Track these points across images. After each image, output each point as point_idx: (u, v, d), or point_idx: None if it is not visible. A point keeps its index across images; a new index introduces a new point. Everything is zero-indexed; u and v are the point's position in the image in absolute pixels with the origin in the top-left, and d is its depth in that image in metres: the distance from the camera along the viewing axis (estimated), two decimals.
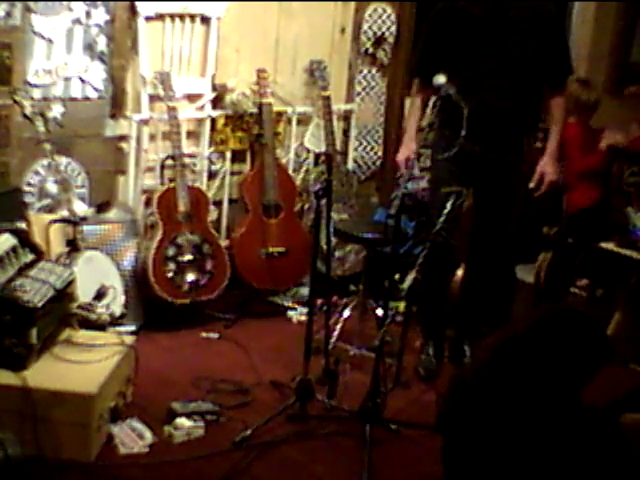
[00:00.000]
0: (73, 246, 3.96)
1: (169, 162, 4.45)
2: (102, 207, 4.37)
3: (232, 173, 4.83)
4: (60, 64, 4.17)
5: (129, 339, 3.57)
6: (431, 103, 3.87)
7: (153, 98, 4.44)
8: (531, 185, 3.92)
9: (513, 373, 2.24)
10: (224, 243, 4.58)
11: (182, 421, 3.41)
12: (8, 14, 3.92)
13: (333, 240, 4.06)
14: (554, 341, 2.22)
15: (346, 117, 5.20)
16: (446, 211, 3.62)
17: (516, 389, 2.22)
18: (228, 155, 4.79)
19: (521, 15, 3.76)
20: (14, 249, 3.38)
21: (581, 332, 2.23)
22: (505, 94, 3.80)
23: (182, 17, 4.48)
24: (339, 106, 5.08)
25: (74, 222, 3.98)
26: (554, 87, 3.96)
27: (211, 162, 4.75)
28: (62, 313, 3.46)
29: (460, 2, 3.79)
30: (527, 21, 3.77)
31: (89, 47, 4.25)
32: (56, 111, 4.14)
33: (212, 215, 4.57)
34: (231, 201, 4.82)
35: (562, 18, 3.94)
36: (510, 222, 4.07)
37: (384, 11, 5.13)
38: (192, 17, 4.50)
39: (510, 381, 2.23)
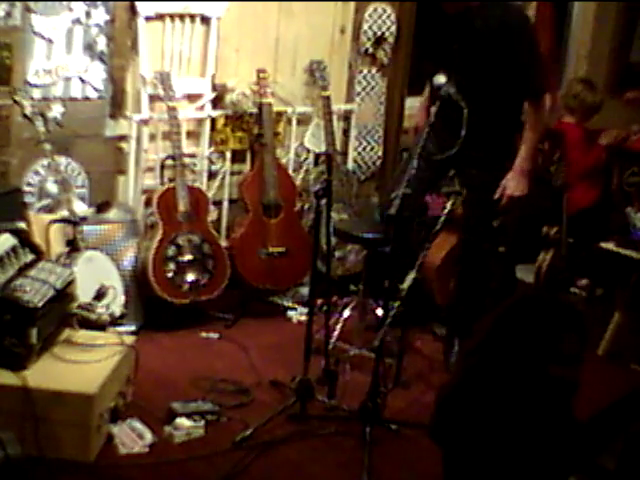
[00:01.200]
0: (73, 246, 3.96)
1: (169, 162, 4.45)
2: (102, 207, 4.37)
3: (232, 173, 4.83)
4: (60, 64, 4.17)
5: (129, 339, 3.57)
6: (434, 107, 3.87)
7: (153, 98, 4.44)
8: (495, 196, 3.91)
9: (489, 376, 2.25)
10: (224, 243, 4.58)
11: (182, 421, 3.42)
12: (8, 14, 3.92)
13: (333, 240, 4.06)
14: (513, 333, 2.25)
15: (346, 117, 5.20)
16: (446, 211, 3.63)
17: (494, 392, 2.23)
18: (228, 155, 4.78)
19: (486, 25, 3.78)
20: (14, 249, 3.38)
21: (534, 315, 2.25)
22: (476, 94, 3.80)
23: (182, 17, 4.48)
24: (339, 106, 5.08)
25: (74, 222, 3.98)
26: (527, 99, 3.93)
27: (211, 162, 4.75)
28: (62, 313, 3.46)
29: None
30: (491, 33, 3.79)
31: (89, 47, 4.25)
32: (56, 111, 4.14)
33: (212, 215, 4.57)
34: (231, 201, 4.82)
35: (529, 31, 3.90)
36: (491, 218, 4.08)
37: (384, 11, 5.12)
38: (192, 17, 4.50)
39: (487, 385, 2.24)
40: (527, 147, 3.91)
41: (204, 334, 4.31)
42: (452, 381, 2.43)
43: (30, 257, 3.46)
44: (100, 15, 4.24)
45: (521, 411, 2.20)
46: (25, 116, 3.91)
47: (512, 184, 3.89)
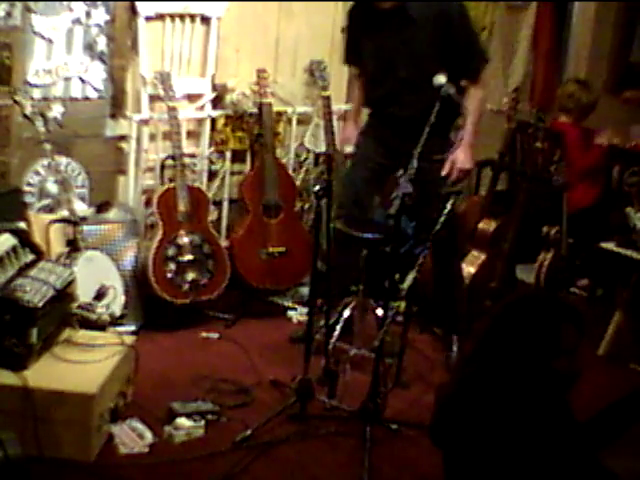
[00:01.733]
0: (73, 246, 3.96)
1: (169, 162, 4.45)
2: (102, 207, 4.37)
3: (232, 173, 4.83)
4: (60, 64, 4.17)
5: (129, 339, 3.57)
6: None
7: (153, 98, 4.44)
8: (443, 172, 3.93)
9: (489, 377, 2.25)
10: (224, 243, 4.59)
11: (182, 421, 3.42)
12: (8, 14, 3.92)
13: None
14: (512, 334, 2.25)
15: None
16: (446, 211, 3.63)
17: (494, 392, 2.23)
18: (228, 155, 4.79)
19: (422, 14, 3.84)
20: (14, 249, 3.38)
21: (532, 313, 2.26)
22: (411, 89, 3.91)
23: (182, 17, 4.48)
24: (339, 106, 5.08)
25: (74, 222, 3.98)
26: (468, 79, 3.98)
27: (211, 162, 4.75)
28: (62, 313, 3.46)
29: None
30: (427, 20, 3.85)
31: (89, 47, 4.25)
32: (56, 111, 4.14)
33: (212, 215, 4.57)
34: (231, 201, 4.82)
35: (464, 15, 3.95)
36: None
37: None
38: (192, 17, 4.50)
39: (487, 385, 2.24)
40: (472, 121, 3.97)
41: (204, 334, 4.31)
42: (451, 382, 2.42)
43: (30, 257, 3.46)
44: (100, 15, 4.24)
45: (523, 410, 2.20)
46: (25, 116, 3.91)
47: (461, 157, 3.92)
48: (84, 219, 4.07)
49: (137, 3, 4.29)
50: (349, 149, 4.41)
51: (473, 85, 3.99)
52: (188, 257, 4.30)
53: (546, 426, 2.20)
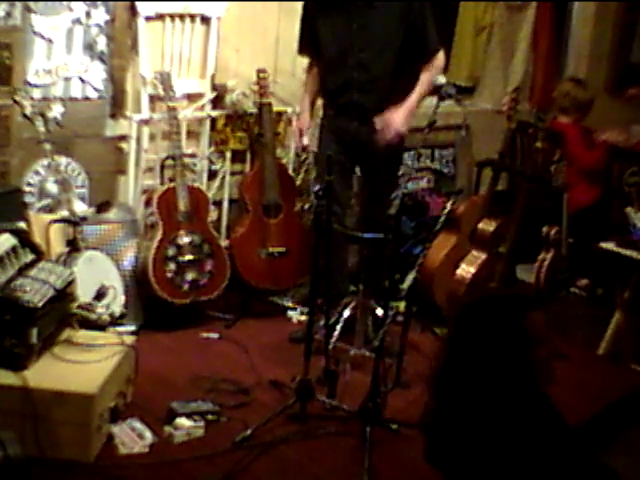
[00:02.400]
0: (73, 246, 3.96)
1: (169, 162, 4.45)
2: (102, 207, 4.37)
3: (232, 173, 4.83)
4: (60, 64, 4.17)
5: (129, 339, 3.57)
6: (434, 103, 3.86)
7: (153, 98, 4.44)
8: (377, 127, 3.93)
9: (466, 387, 2.21)
10: (224, 243, 4.58)
11: (182, 421, 3.42)
12: (8, 14, 3.92)
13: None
14: (474, 337, 2.21)
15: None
16: (446, 211, 3.63)
17: (476, 401, 2.20)
18: (228, 155, 4.79)
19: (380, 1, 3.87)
20: (14, 249, 3.38)
21: (490, 313, 2.22)
22: (369, 74, 3.93)
23: (182, 17, 4.48)
24: None
25: (74, 222, 3.98)
26: (422, 61, 4.02)
27: (211, 162, 4.75)
28: (62, 313, 3.46)
29: None
30: (386, 5, 3.88)
31: (89, 47, 4.25)
32: (56, 111, 4.14)
33: (212, 215, 4.57)
34: (231, 201, 4.82)
35: (424, 1, 3.98)
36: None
37: None
38: (192, 17, 4.50)
39: (467, 396, 2.21)
40: (419, 91, 3.99)
41: (204, 334, 4.31)
42: (431, 405, 2.37)
43: (30, 257, 3.46)
44: (100, 15, 4.24)
45: (509, 412, 2.16)
46: (25, 116, 3.91)
47: (397, 118, 3.91)
48: (84, 219, 4.07)
49: (137, 3, 4.29)
50: (305, 141, 4.35)
51: (425, 66, 4.01)
52: (188, 257, 4.30)
53: (537, 427, 2.17)
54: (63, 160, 4.18)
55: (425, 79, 4.00)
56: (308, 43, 4.18)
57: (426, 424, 2.34)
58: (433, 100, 3.90)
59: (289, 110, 4.88)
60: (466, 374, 2.20)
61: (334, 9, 3.96)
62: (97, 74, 4.30)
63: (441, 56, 4.10)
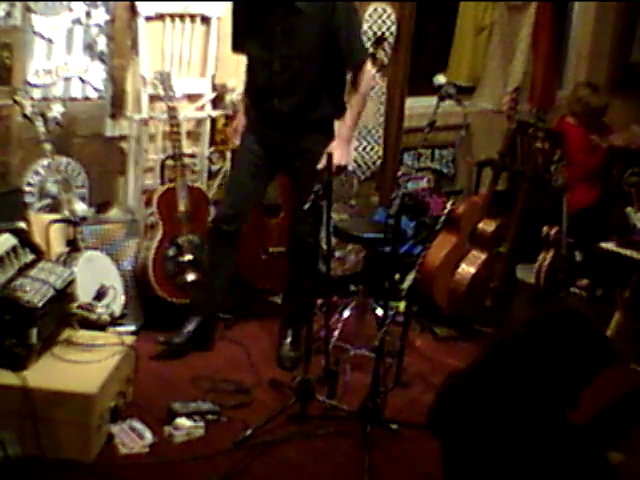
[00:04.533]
0: (73, 246, 3.96)
1: (169, 162, 4.45)
2: (102, 207, 4.37)
3: None
4: (60, 64, 4.17)
5: (129, 339, 3.57)
6: (434, 103, 3.87)
7: (153, 98, 4.44)
8: (319, 166, 3.78)
9: (509, 376, 2.21)
10: None
11: (182, 421, 3.42)
12: (8, 14, 3.92)
13: (333, 240, 4.06)
14: (554, 343, 2.19)
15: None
16: (446, 211, 3.63)
17: (511, 394, 2.20)
18: (228, 155, 4.78)
19: (308, 4, 3.71)
20: (14, 249, 3.38)
21: (581, 335, 2.20)
22: (292, 81, 3.80)
23: (182, 17, 4.47)
24: None
25: (74, 222, 3.98)
26: (350, 71, 3.86)
27: (211, 162, 4.75)
28: (62, 313, 3.46)
29: None
30: (313, 10, 3.72)
31: (89, 47, 4.25)
32: (56, 111, 4.14)
33: (212, 215, 4.56)
34: None
35: (351, 7, 3.80)
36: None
37: (384, 11, 5.13)
38: (192, 17, 4.50)
39: (506, 385, 2.21)
40: (352, 115, 3.84)
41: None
42: (462, 375, 2.38)
43: (30, 257, 3.46)
44: (100, 15, 4.24)
45: (527, 427, 2.17)
46: (25, 116, 3.91)
47: (338, 153, 3.76)
48: (84, 219, 4.07)
49: (137, 3, 4.29)
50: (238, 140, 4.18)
51: (354, 74, 3.84)
52: (188, 257, 4.30)
53: (545, 430, 2.18)
54: (63, 160, 4.18)
55: (354, 102, 3.83)
56: (238, 42, 4.04)
57: (447, 391, 2.34)
58: (433, 100, 3.91)
59: None
60: (508, 371, 2.21)
61: (258, 11, 3.82)
62: (97, 74, 4.30)
63: (367, 69, 3.87)
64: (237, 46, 4.08)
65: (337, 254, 4.83)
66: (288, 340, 4.10)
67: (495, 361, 2.25)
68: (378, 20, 5.11)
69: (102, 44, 4.28)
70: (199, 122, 4.68)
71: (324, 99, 3.84)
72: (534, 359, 2.18)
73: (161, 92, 4.33)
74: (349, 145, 3.85)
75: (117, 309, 3.94)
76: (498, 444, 2.19)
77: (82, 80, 4.26)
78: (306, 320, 3.74)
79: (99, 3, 4.22)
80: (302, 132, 3.85)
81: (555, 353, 2.17)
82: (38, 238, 3.83)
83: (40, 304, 3.18)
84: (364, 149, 5.32)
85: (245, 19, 3.92)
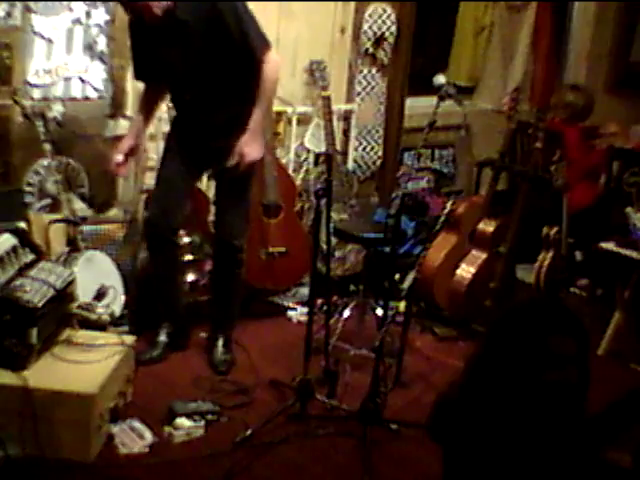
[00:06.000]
0: (73, 246, 3.96)
1: None
2: (102, 207, 4.37)
3: None
4: (60, 64, 4.17)
5: (129, 339, 3.57)
6: (434, 103, 3.86)
7: None
8: (231, 162, 3.70)
9: (491, 382, 2.22)
10: None
11: (182, 421, 3.42)
12: (8, 14, 3.92)
13: (333, 240, 4.07)
14: (507, 339, 2.19)
15: (346, 117, 5.20)
16: (446, 211, 3.63)
17: (500, 398, 2.20)
18: None
19: (193, 16, 3.57)
20: (14, 249, 3.38)
21: (549, 320, 2.22)
22: (204, 104, 3.72)
23: None
24: (339, 106, 5.09)
25: (74, 222, 3.98)
26: (256, 67, 3.70)
27: None
28: (62, 313, 3.46)
29: (137, 10, 3.59)
30: (199, 21, 3.58)
31: (89, 47, 4.25)
32: (56, 111, 4.14)
33: (212, 215, 4.56)
34: None
35: (236, 7, 3.57)
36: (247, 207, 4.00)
37: (384, 11, 5.13)
38: None
39: (493, 391, 2.22)
40: (259, 108, 3.71)
41: (204, 334, 4.31)
42: (452, 388, 2.39)
43: (30, 257, 3.46)
44: (100, 15, 4.24)
45: (520, 415, 2.18)
46: (25, 116, 3.91)
47: (248, 149, 3.68)
48: (84, 219, 4.07)
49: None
50: (120, 158, 3.83)
51: (259, 71, 3.67)
52: (188, 257, 4.30)
53: (544, 429, 2.18)
54: (63, 160, 4.18)
55: (261, 95, 3.68)
56: (139, 70, 3.88)
57: (446, 398, 2.35)
58: (433, 100, 3.90)
59: (289, 110, 4.88)
60: (493, 370, 2.20)
61: (154, 35, 3.66)
62: (97, 74, 4.30)
63: (271, 58, 3.67)
64: (138, 75, 3.91)
65: (337, 254, 4.83)
66: (220, 343, 4.06)
67: (476, 374, 2.27)
68: (378, 20, 5.11)
69: (102, 44, 4.29)
70: None
71: (237, 98, 3.73)
72: (509, 357, 2.19)
73: None
74: (259, 139, 3.74)
75: (117, 309, 3.95)
76: (495, 450, 2.19)
77: (82, 80, 4.27)
78: (234, 322, 3.86)
79: (99, 3, 4.22)
80: (223, 132, 3.77)
81: (530, 344, 2.17)
82: (38, 238, 3.83)
83: (40, 304, 3.18)
84: (364, 149, 5.32)
85: (144, 45, 3.75)
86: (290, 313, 4.68)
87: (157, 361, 3.96)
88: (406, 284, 3.53)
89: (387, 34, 5.15)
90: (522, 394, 2.17)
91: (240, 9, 3.60)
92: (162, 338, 4.02)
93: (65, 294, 3.45)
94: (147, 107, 3.94)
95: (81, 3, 4.17)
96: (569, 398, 2.21)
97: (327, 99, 4.82)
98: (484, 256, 4.65)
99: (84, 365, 3.28)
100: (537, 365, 2.16)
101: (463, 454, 2.29)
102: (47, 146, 3.95)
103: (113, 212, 4.37)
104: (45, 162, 4.08)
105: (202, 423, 3.45)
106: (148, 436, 3.33)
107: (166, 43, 3.64)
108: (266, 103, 3.80)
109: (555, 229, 4.72)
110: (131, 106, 4.44)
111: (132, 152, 3.88)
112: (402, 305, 3.97)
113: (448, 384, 2.41)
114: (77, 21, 4.18)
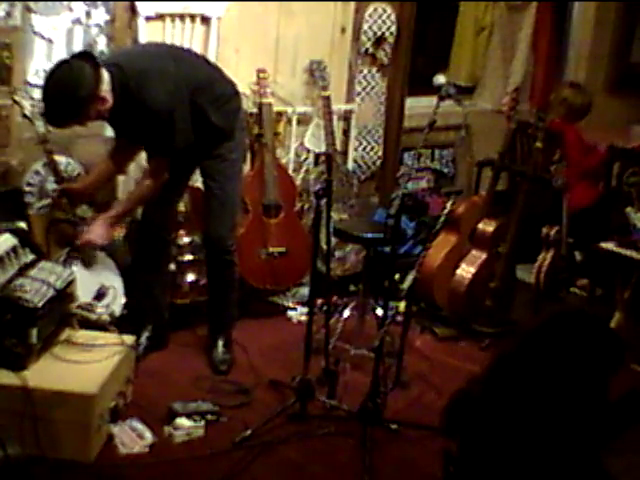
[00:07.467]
0: (73, 246, 3.96)
1: None
2: (102, 207, 4.36)
3: None
4: None
5: (129, 339, 3.57)
6: (434, 103, 3.86)
7: None
8: (76, 244, 3.83)
9: (521, 383, 2.19)
10: None
11: (182, 421, 3.42)
12: (8, 14, 3.92)
13: (333, 240, 4.06)
14: (566, 345, 2.17)
15: (346, 117, 5.20)
16: (446, 211, 3.63)
17: (525, 400, 2.18)
18: None
19: (132, 110, 3.59)
20: (14, 249, 3.38)
21: (592, 335, 2.19)
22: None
23: (182, 17, 4.47)
24: (339, 106, 5.08)
25: (74, 222, 3.98)
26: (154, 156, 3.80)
27: None
28: (62, 313, 3.46)
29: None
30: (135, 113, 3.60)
31: (89, 47, 4.24)
32: None
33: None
34: None
35: (160, 113, 3.61)
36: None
37: (384, 11, 5.13)
38: (192, 17, 4.49)
39: (518, 392, 2.19)
40: (126, 205, 3.85)
41: (204, 334, 4.31)
42: (474, 385, 2.36)
43: (30, 257, 3.46)
44: (100, 15, 4.24)
45: (542, 418, 2.16)
46: (25, 116, 3.91)
47: (97, 231, 3.74)
48: (84, 219, 4.07)
49: (137, 3, 4.28)
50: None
51: (151, 165, 3.78)
52: (188, 257, 4.30)
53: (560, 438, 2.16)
54: (63, 160, 4.18)
55: (137, 190, 3.87)
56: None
57: (465, 393, 2.33)
58: (433, 100, 3.91)
59: (289, 110, 4.88)
60: (526, 369, 2.19)
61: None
62: None
63: (155, 164, 3.76)
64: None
65: (337, 254, 4.83)
66: (220, 344, 4.06)
67: (505, 368, 2.24)
68: (378, 20, 5.11)
69: (102, 44, 4.28)
70: None
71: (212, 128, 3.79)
72: (545, 363, 2.16)
73: None
74: (110, 227, 3.80)
75: (117, 309, 3.94)
76: (510, 449, 2.18)
77: None
78: (233, 322, 3.87)
79: (99, 3, 4.22)
80: (207, 147, 3.83)
81: (566, 354, 2.15)
82: (38, 238, 3.83)
83: (40, 304, 3.18)
84: (364, 149, 5.32)
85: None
86: (290, 313, 4.68)
87: (141, 360, 3.92)
88: (406, 284, 3.53)
89: (387, 34, 5.15)
90: (550, 399, 2.15)
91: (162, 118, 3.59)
92: (142, 340, 4.01)
93: (65, 294, 3.45)
94: (105, 169, 3.97)
95: (81, 3, 4.17)
96: (590, 410, 2.19)
97: (327, 99, 4.82)
98: (484, 256, 4.65)
99: (84, 365, 3.28)
100: (570, 375, 2.14)
101: (480, 449, 2.27)
102: (47, 146, 3.94)
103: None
104: (45, 162, 4.07)
105: (202, 423, 3.45)
106: (148, 436, 3.33)
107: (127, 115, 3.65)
108: (133, 204, 3.89)
109: (555, 229, 4.72)
110: None
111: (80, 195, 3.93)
112: (402, 305, 3.97)
113: (466, 380, 2.39)
114: (77, 21, 4.18)
